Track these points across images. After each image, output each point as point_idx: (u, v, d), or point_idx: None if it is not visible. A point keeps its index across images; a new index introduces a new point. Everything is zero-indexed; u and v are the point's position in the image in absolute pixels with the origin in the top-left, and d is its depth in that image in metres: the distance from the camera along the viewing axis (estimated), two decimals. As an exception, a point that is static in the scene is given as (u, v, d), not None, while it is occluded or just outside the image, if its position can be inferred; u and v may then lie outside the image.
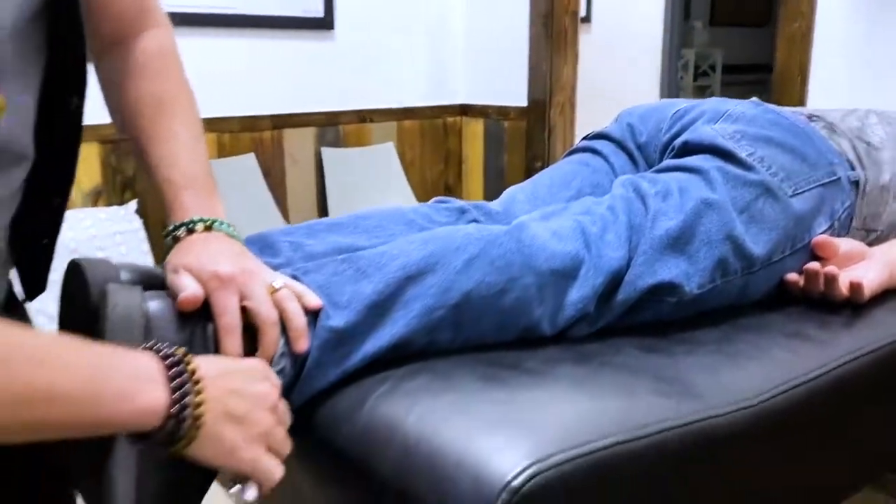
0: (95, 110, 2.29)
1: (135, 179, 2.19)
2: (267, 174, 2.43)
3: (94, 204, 2.14)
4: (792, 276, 0.97)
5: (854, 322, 0.92)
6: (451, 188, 2.98)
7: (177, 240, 0.69)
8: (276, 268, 0.79)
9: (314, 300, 0.71)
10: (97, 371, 0.47)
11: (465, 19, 2.87)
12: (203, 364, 0.53)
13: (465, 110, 2.93)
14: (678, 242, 0.89)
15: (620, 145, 1.16)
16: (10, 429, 0.44)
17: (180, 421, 0.49)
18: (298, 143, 2.52)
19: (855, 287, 0.93)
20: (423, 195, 2.85)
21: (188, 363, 0.51)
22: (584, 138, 1.23)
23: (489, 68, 2.84)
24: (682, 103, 1.16)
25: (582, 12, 2.75)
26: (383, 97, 2.72)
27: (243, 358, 0.62)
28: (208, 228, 0.70)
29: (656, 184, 0.95)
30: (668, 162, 1.03)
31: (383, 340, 0.71)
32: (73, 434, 0.47)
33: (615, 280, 0.86)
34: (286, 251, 0.83)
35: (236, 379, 0.55)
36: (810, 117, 1.11)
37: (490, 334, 0.79)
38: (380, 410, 0.65)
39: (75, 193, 2.10)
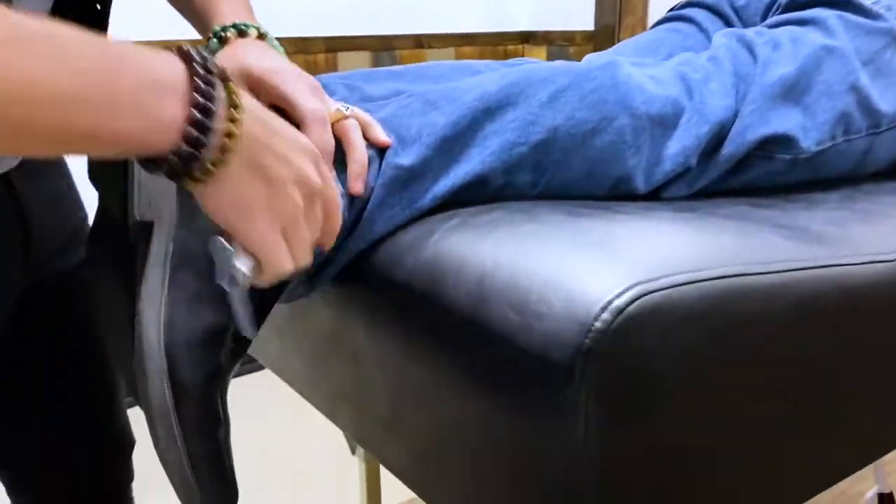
0: (128, 23, 2.08)
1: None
2: (321, 98, 2.34)
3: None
4: (927, 141, 0.83)
5: None
6: (512, 120, 2.85)
7: (223, 41, 0.60)
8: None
9: (382, 135, 0.62)
10: (111, 73, 0.38)
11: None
12: (249, 101, 0.43)
13: (528, 37, 2.78)
14: (794, 91, 0.76)
15: (715, 11, 1.02)
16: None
17: (199, 146, 0.40)
18: (353, 67, 2.42)
19: None
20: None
21: (227, 85, 0.42)
22: (672, 9, 1.10)
23: (554, -8, 2.68)
24: (787, -37, 1.01)
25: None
26: (441, 21, 2.60)
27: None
28: (261, 37, 0.61)
29: (764, 35, 0.82)
30: (775, 18, 0.90)
31: (456, 179, 0.61)
32: (77, 146, 0.39)
33: (721, 131, 0.73)
34: (341, 92, 0.73)
35: (283, 136, 0.45)
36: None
37: (576, 182, 0.68)
38: (450, 240, 0.55)
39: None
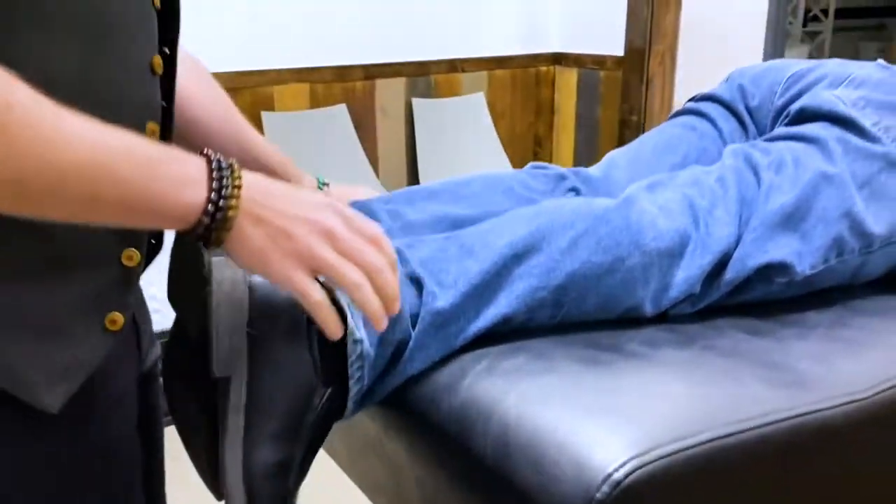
0: None
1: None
2: (358, 125, 2.44)
3: (194, 153, 2.20)
4: (915, 256, 0.91)
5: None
6: (541, 140, 2.92)
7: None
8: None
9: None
10: (154, 167, 0.51)
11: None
12: (250, 177, 0.54)
13: (559, 59, 2.84)
14: (792, 219, 0.84)
15: (730, 109, 1.10)
16: (69, 200, 0.48)
17: (214, 220, 0.52)
18: (389, 93, 2.52)
19: None
20: (511, 147, 2.81)
21: (234, 171, 0.53)
22: (691, 100, 1.17)
23: (585, 14, 2.74)
24: (799, 64, 1.08)
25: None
26: (475, 46, 2.67)
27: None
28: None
29: (769, 154, 0.90)
30: (782, 130, 0.97)
31: (485, 321, 0.71)
32: (123, 217, 0.52)
33: (723, 259, 0.82)
34: (386, 221, 0.83)
35: (285, 199, 0.55)
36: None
37: (591, 313, 0.77)
38: (479, 388, 0.65)
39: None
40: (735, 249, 0.83)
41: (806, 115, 0.97)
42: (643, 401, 0.62)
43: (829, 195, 0.86)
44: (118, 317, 0.59)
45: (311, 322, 0.63)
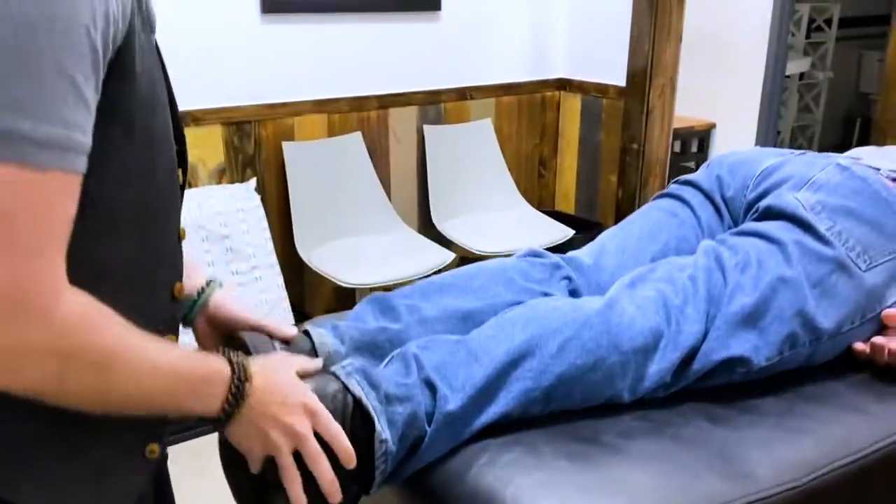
0: (219, 95, 2.52)
1: (254, 158, 2.39)
2: (372, 152, 2.58)
3: (219, 181, 2.35)
4: (859, 346, 1.05)
5: (913, 395, 1.01)
6: (545, 162, 3.06)
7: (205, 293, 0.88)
8: (397, 333, 0.95)
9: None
10: (184, 381, 0.67)
11: (568, -6, 2.88)
12: (260, 389, 0.71)
13: (564, 85, 2.97)
14: (751, 318, 0.99)
15: (708, 197, 1.24)
16: (132, 408, 0.63)
17: (223, 422, 0.70)
18: (402, 121, 2.65)
19: (917, 364, 1.01)
20: (516, 169, 2.94)
21: (243, 387, 0.70)
22: (675, 181, 1.31)
23: (590, 44, 2.86)
24: (769, 159, 1.22)
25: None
26: (484, 74, 2.80)
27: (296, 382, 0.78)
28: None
29: (737, 253, 1.05)
30: (750, 225, 1.11)
31: (487, 417, 0.86)
32: (160, 413, 0.68)
33: (691, 352, 0.97)
34: (405, 316, 0.98)
35: (273, 404, 0.73)
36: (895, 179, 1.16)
37: (577, 404, 0.92)
38: (483, 480, 0.80)
39: (202, 171, 2.31)
40: (702, 344, 0.98)
41: (772, 214, 1.11)
42: (613, 497, 0.77)
43: (785, 296, 1.00)
44: (156, 447, 0.73)
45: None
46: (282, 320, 0.93)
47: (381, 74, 2.57)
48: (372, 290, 2.43)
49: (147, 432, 0.72)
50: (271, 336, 0.87)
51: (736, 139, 4.51)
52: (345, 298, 2.46)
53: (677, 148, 4.54)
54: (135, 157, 0.64)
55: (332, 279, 2.22)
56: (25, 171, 0.51)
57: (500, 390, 0.87)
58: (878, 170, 1.17)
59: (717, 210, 1.24)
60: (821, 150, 5.31)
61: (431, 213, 2.69)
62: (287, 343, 0.88)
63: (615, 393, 0.94)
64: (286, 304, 2.31)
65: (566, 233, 2.62)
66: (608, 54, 2.74)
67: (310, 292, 2.58)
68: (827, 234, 1.05)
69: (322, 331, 0.90)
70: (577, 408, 0.93)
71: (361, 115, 2.57)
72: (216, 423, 0.70)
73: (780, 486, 0.83)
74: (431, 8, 2.60)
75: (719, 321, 0.98)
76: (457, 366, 0.88)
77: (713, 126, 4.61)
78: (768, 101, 4.38)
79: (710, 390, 0.99)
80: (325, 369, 0.84)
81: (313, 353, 0.88)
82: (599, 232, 2.94)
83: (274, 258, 2.31)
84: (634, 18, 2.62)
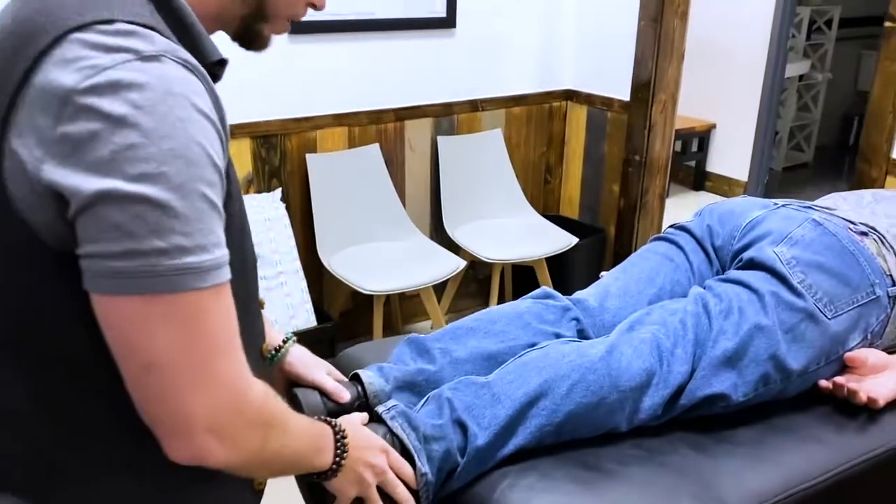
0: (249, 110, 2.72)
1: (280, 169, 2.55)
2: (389, 162, 2.74)
3: (247, 191, 2.51)
4: (823, 383, 1.23)
5: (867, 426, 1.19)
6: (552, 169, 3.21)
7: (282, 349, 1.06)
8: (433, 373, 1.13)
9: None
10: (311, 440, 0.85)
11: (577, 9, 3.02)
12: (353, 444, 0.89)
13: (571, 96, 3.12)
14: (731, 360, 1.16)
15: (700, 244, 1.41)
16: (266, 462, 0.78)
17: (335, 471, 0.87)
18: (417, 132, 2.81)
19: (871, 401, 1.19)
20: (524, 176, 3.11)
21: (344, 443, 0.88)
22: (671, 226, 1.48)
23: (596, 60, 3.00)
24: (755, 211, 1.38)
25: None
26: (495, 86, 2.95)
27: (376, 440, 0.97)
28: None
29: (721, 301, 1.22)
30: (735, 273, 1.29)
31: (508, 449, 1.05)
32: (295, 469, 0.85)
33: (679, 389, 1.15)
34: (439, 358, 1.15)
35: (364, 449, 0.92)
36: (865, 233, 1.33)
37: (582, 434, 1.10)
38: (506, 498, 0.98)
39: (231, 181, 2.47)
40: (689, 382, 1.15)
41: (753, 265, 1.28)
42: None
43: (760, 342, 1.17)
44: (262, 480, 0.90)
45: None
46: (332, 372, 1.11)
47: (398, 89, 2.73)
48: (388, 296, 2.61)
49: None
50: (328, 396, 1.04)
51: (735, 139, 4.67)
52: (361, 299, 2.63)
53: (678, 147, 4.70)
54: (235, 251, 0.80)
55: (352, 285, 2.40)
56: (202, 295, 0.65)
57: (519, 426, 1.05)
58: (851, 222, 1.35)
59: (708, 256, 1.41)
60: (819, 147, 5.45)
61: (444, 220, 2.86)
62: (338, 403, 1.05)
63: (615, 425, 1.12)
64: (309, 305, 2.48)
65: (570, 241, 2.79)
66: (614, 70, 2.89)
67: (328, 294, 2.75)
68: (799, 287, 1.22)
69: (370, 373, 1.08)
70: (582, 437, 1.11)
71: (379, 127, 2.72)
72: (327, 474, 0.86)
73: (747, 510, 1.02)
74: (447, 26, 2.74)
75: (704, 362, 1.16)
76: (483, 407, 1.06)
77: (713, 126, 4.76)
78: (767, 103, 4.53)
79: (695, 420, 1.17)
80: (372, 410, 1.02)
81: (363, 392, 1.06)
82: (601, 238, 3.10)
83: (298, 264, 2.48)
84: (639, 38, 2.76)
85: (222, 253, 0.68)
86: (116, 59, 0.63)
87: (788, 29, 4.53)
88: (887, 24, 2.15)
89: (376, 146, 2.72)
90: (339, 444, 0.87)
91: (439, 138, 2.86)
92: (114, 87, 0.62)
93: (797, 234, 1.30)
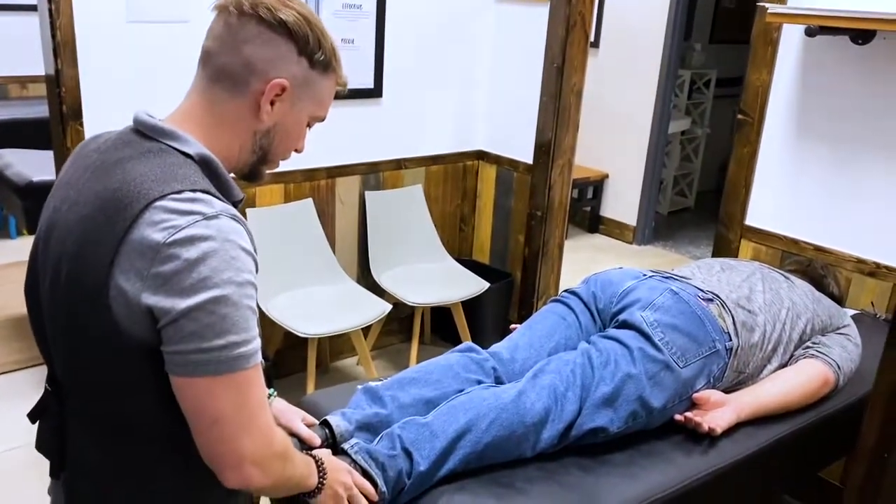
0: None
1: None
2: (321, 215, 3.04)
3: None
4: (678, 417, 1.62)
5: (708, 449, 1.58)
6: (466, 219, 3.59)
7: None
8: (385, 416, 1.45)
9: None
10: (305, 467, 1.14)
11: (488, 82, 3.42)
12: (329, 469, 1.19)
13: (482, 156, 3.51)
14: (608, 401, 1.54)
15: (587, 306, 1.80)
16: (284, 483, 1.08)
17: (319, 490, 1.17)
18: (347, 188, 3.13)
19: (711, 430, 1.59)
20: (441, 225, 3.46)
21: (324, 469, 1.18)
22: (566, 290, 1.86)
23: (505, 126, 3.41)
24: (628, 280, 1.78)
25: (591, 38, 3.22)
26: (416, 147, 3.31)
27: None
28: None
29: (602, 354, 1.60)
30: (613, 331, 1.67)
31: (442, 472, 1.38)
32: (296, 489, 1.14)
33: (570, 424, 1.51)
34: (389, 403, 1.47)
35: (336, 476, 1.22)
36: (710, 299, 1.74)
37: (498, 460, 1.45)
38: (442, 512, 1.31)
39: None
40: (577, 418, 1.52)
41: (626, 325, 1.67)
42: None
43: (630, 387, 1.55)
44: None
45: None
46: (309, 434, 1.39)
47: (331, 150, 3.04)
48: (319, 339, 2.89)
49: None
50: (301, 440, 1.34)
51: (625, 187, 5.21)
52: (294, 339, 2.91)
53: (575, 195, 5.19)
54: None
55: (290, 329, 2.68)
56: (248, 372, 0.95)
57: (450, 455, 1.39)
58: (701, 290, 1.76)
59: (592, 316, 1.79)
60: (700, 193, 6.05)
61: (371, 266, 3.18)
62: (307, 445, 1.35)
63: (522, 452, 1.47)
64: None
65: (482, 286, 3.16)
66: (519, 136, 3.30)
67: (265, 335, 3.01)
68: (659, 344, 1.61)
69: (336, 418, 1.39)
70: (498, 462, 1.45)
71: (312, 184, 3.02)
72: (314, 492, 1.16)
73: (618, 514, 1.38)
74: (374, 95, 3.08)
75: (588, 402, 1.53)
76: (424, 441, 1.38)
77: (606, 176, 5.29)
78: (654, 155, 5.09)
79: (583, 447, 1.54)
80: (339, 447, 1.33)
81: (331, 434, 1.37)
82: (509, 283, 3.48)
83: (240, 309, 2.73)
84: (540, 111, 3.18)
85: (258, 342, 0.99)
86: (189, 220, 0.93)
87: (672, 90, 5.11)
88: (740, 116, 2.63)
89: (310, 200, 3.01)
90: (320, 469, 1.17)
91: (367, 193, 3.18)
92: (190, 240, 0.92)
93: (658, 301, 1.69)
